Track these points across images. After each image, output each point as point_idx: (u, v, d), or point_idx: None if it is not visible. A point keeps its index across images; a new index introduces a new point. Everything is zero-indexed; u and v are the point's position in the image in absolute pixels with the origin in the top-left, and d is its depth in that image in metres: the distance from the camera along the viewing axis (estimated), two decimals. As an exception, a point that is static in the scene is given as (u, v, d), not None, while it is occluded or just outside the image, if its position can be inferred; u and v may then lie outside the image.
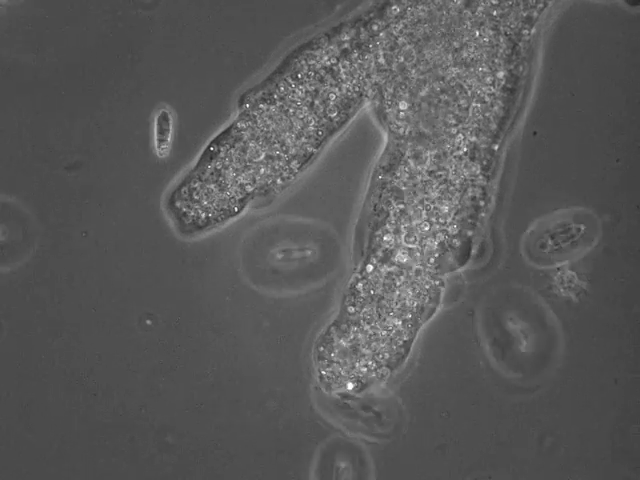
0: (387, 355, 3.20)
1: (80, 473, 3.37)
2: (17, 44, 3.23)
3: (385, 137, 3.18)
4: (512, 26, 3.09)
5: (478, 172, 3.14)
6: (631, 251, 3.29)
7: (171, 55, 3.24)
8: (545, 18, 3.13)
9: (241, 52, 3.19)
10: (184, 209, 3.14)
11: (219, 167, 3.11)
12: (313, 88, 3.09)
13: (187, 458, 3.38)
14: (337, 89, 3.10)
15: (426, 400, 3.34)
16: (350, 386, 3.22)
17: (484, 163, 3.14)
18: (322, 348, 3.21)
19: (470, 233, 3.17)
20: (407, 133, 3.11)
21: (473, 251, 3.20)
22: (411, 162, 3.14)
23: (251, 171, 3.11)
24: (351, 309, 3.20)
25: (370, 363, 3.20)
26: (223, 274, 3.29)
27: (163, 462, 3.39)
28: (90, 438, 3.37)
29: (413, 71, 3.07)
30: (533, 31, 3.12)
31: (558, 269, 3.19)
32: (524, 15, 3.08)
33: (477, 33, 3.07)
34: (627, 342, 3.34)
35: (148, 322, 3.29)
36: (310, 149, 3.12)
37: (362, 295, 3.19)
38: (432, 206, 3.14)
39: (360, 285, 3.19)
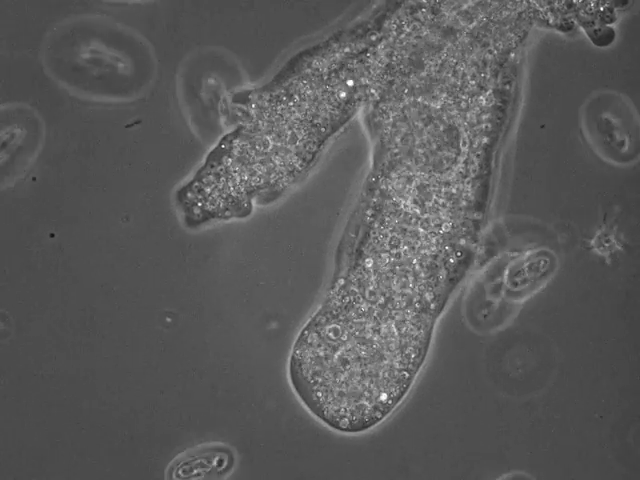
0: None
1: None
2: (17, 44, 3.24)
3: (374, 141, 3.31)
4: (497, 44, 3.25)
5: (473, 184, 3.26)
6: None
7: (174, 56, 3.29)
8: (524, 45, 3.29)
9: (245, 55, 3.26)
10: (194, 200, 3.23)
11: (228, 163, 3.22)
12: (318, 89, 3.23)
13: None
14: (341, 91, 3.24)
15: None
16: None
17: (478, 173, 3.27)
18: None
19: (468, 244, 3.29)
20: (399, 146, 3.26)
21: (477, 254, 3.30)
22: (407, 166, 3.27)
23: (258, 166, 3.23)
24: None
25: None
26: (226, 268, 3.32)
27: (162, 458, 3.35)
28: (88, 436, 3.33)
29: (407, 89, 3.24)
30: (514, 55, 3.27)
31: (604, 218, 3.27)
32: (510, 36, 3.25)
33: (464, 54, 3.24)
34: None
35: (168, 319, 3.29)
36: (314, 147, 3.25)
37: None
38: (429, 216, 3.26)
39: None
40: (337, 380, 3.29)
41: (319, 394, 3.28)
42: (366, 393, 3.29)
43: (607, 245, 3.29)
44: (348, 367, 3.29)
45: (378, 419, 3.31)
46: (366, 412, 3.29)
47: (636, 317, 3.38)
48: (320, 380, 3.29)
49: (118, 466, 3.34)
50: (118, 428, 3.33)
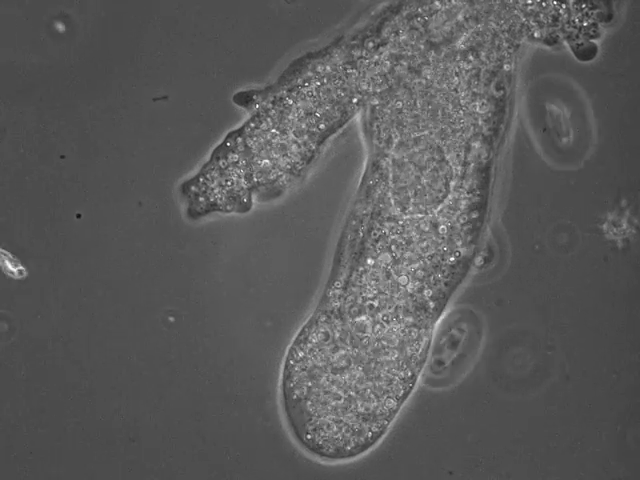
0: None
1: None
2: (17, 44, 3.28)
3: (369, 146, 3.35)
4: (491, 54, 3.30)
5: (473, 188, 3.31)
6: None
7: (177, 56, 3.37)
8: (517, 57, 3.35)
9: (247, 57, 3.35)
10: (197, 193, 3.29)
11: (232, 160, 3.29)
12: (319, 91, 3.30)
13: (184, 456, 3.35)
14: (343, 92, 3.30)
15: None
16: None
17: (478, 179, 3.31)
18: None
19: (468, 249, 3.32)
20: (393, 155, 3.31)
21: (479, 259, 3.34)
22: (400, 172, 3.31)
23: (260, 163, 3.29)
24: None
25: None
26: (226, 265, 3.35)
27: (162, 458, 3.35)
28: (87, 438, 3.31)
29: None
30: (507, 66, 3.33)
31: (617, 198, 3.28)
32: (504, 46, 3.31)
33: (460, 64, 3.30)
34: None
35: (171, 319, 3.31)
36: (313, 146, 3.31)
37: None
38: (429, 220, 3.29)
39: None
40: (333, 391, 3.30)
41: (313, 428, 3.31)
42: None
43: (619, 229, 3.32)
44: (347, 369, 3.30)
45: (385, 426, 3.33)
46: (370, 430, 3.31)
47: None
48: (314, 399, 3.31)
49: (118, 468, 3.33)
50: (118, 425, 3.34)
